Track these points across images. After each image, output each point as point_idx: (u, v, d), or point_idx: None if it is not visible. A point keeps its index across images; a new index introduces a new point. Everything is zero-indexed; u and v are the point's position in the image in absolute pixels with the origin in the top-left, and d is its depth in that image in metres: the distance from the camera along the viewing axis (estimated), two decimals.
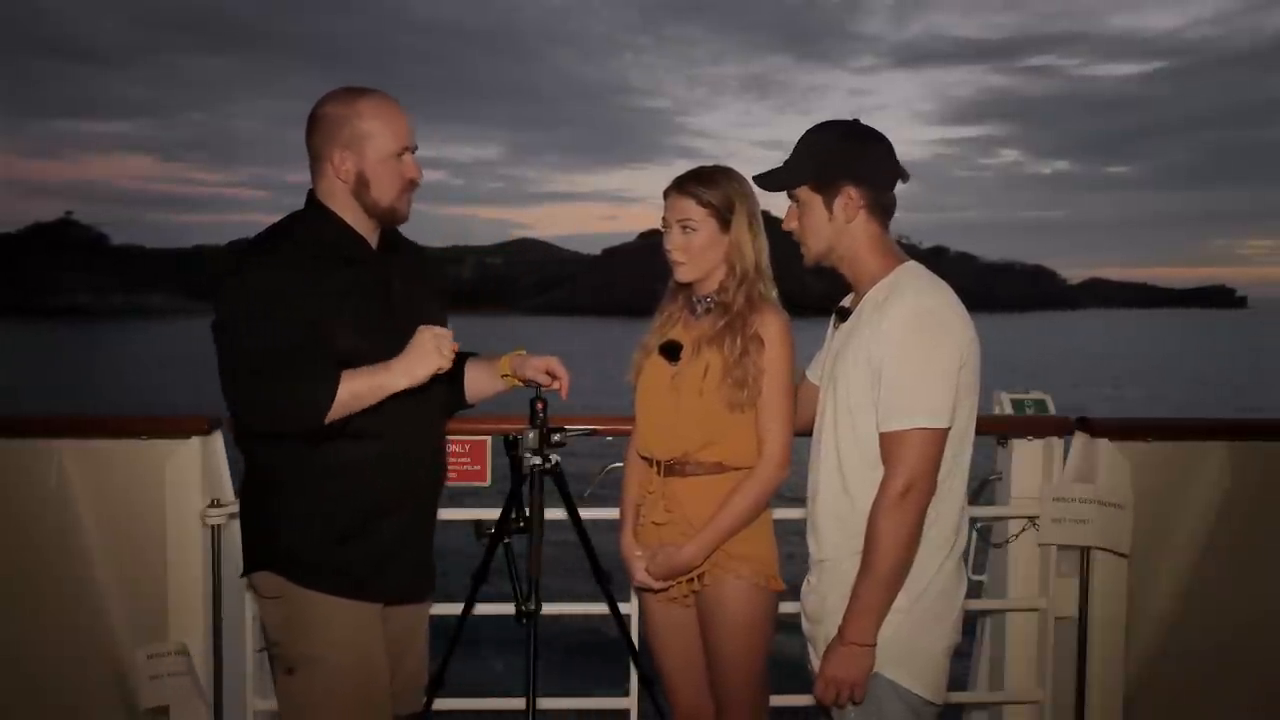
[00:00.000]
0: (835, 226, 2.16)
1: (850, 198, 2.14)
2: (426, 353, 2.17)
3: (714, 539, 2.40)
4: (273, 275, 2.14)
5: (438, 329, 2.20)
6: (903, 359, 2.04)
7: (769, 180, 2.23)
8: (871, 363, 2.08)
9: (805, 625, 2.30)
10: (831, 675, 2.08)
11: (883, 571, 2.04)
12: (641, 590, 2.56)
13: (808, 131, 2.20)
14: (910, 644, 2.10)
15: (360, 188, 2.24)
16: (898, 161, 2.19)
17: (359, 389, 2.14)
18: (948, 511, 2.13)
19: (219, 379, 2.15)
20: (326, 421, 2.13)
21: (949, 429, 2.06)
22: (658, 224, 2.53)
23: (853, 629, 2.06)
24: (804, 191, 2.18)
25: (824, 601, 2.20)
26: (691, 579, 2.45)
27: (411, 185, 2.30)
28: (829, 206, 2.15)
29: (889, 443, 2.06)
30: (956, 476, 2.13)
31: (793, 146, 2.21)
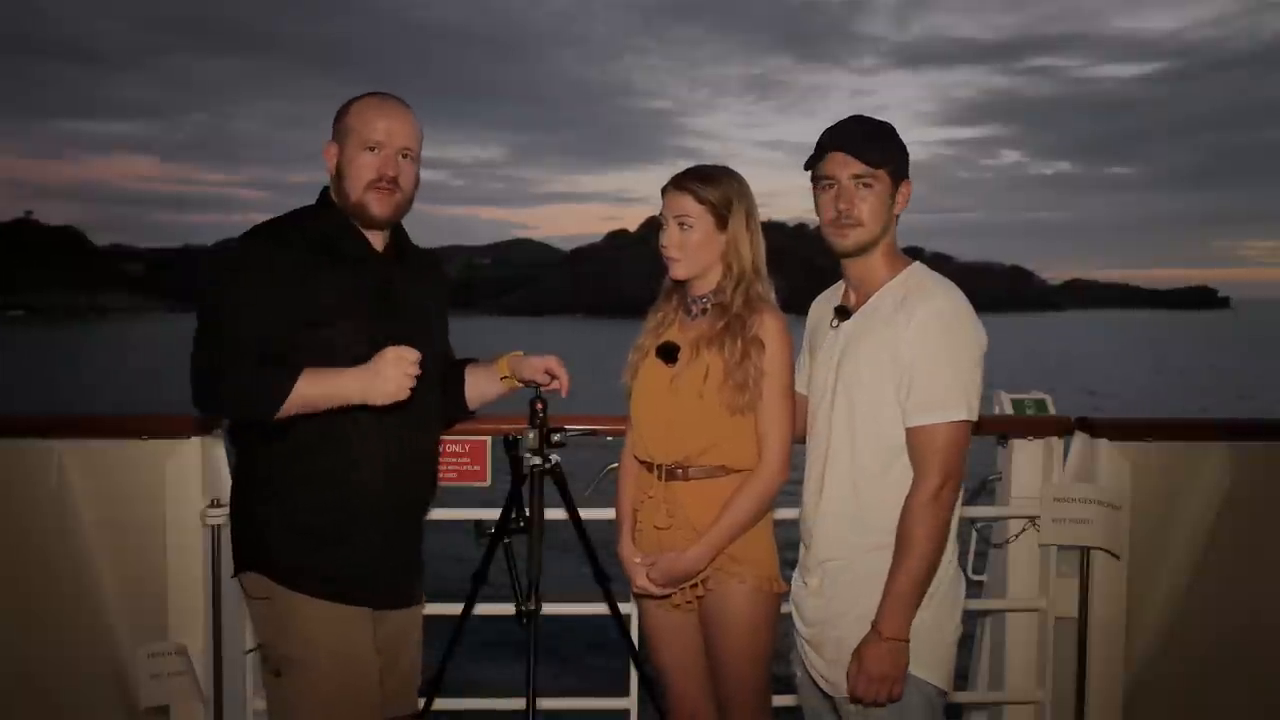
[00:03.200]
0: (890, 217, 2.20)
1: (906, 195, 2.20)
2: (385, 379, 2.11)
3: (716, 544, 2.38)
4: (260, 258, 2.15)
5: (403, 350, 2.13)
6: (937, 355, 2.07)
7: (870, 152, 2.16)
8: (899, 360, 2.10)
9: (802, 628, 2.29)
10: (876, 673, 2.08)
11: (920, 568, 2.07)
12: (642, 596, 2.55)
13: (880, 121, 2.21)
14: (929, 637, 2.12)
15: (338, 181, 2.26)
16: None
17: (311, 395, 2.11)
18: (958, 509, 2.16)
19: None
20: (276, 419, 2.12)
21: (974, 422, 2.11)
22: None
23: (891, 625, 2.07)
24: (882, 174, 2.18)
25: (829, 604, 2.20)
26: (695, 584, 2.43)
27: (379, 182, 2.23)
28: (893, 196, 2.19)
29: (922, 437, 2.08)
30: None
31: (854, 131, 2.20)
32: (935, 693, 2.14)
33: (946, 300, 2.12)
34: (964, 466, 2.10)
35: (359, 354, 2.16)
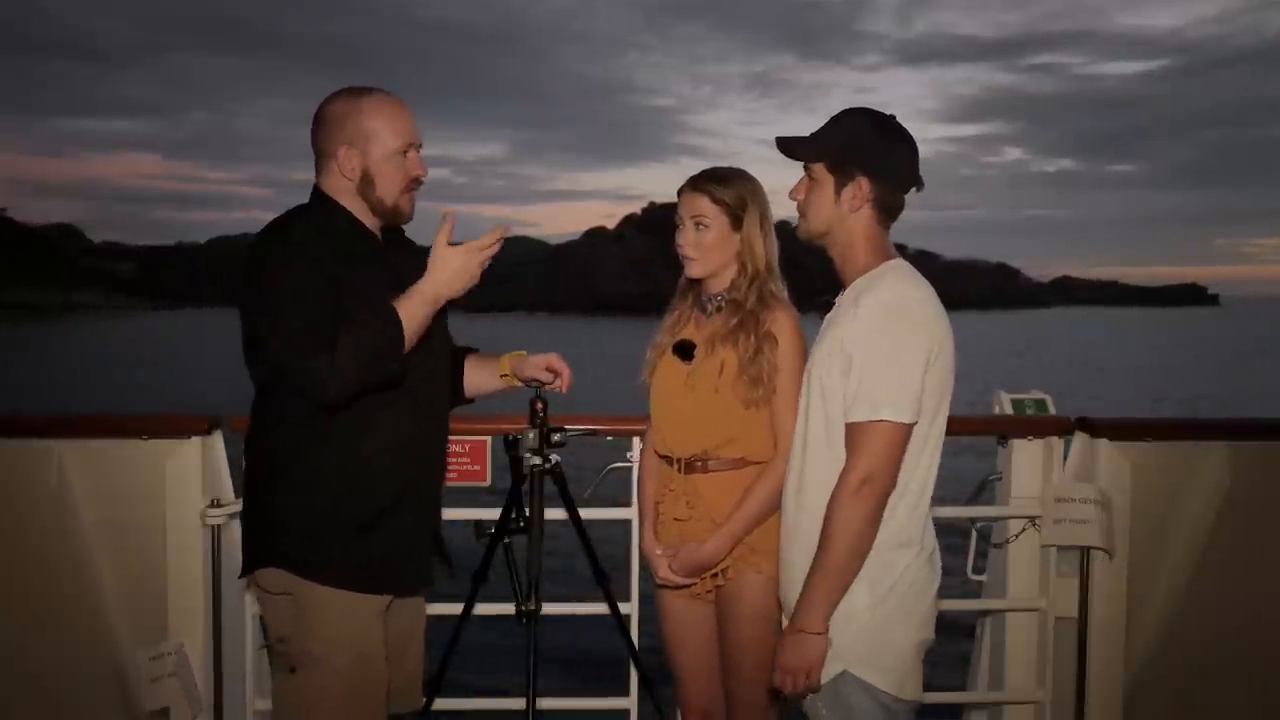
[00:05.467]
0: (838, 213, 2.16)
1: (860, 189, 2.14)
2: (466, 271, 2.19)
3: (735, 533, 2.43)
4: (302, 261, 2.13)
5: (468, 245, 2.21)
6: (871, 351, 2.05)
7: (790, 146, 2.21)
8: (843, 354, 2.09)
9: (783, 619, 2.30)
10: (784, 664, 2.09)
11: (834, 561, 2.04)
12: (664, 587, 2.57)
13: (844, 111, 2.20)
14: (877, 640, 2.09)
15: (365, 185, 2.25)
16: (917, 168, 2.19)
17: (411, 319, 2.16)
18: (917, 510, 2.12)
19: (269, 370, 2.15)
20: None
21: (913, 424, 2.06)
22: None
23: (802, 617, 2.07)
24: (819, 169, 2.17)
25: (786, 596, 2.21)
26: (715, 574, 2.48)
27: (415, 183, 2.30)
28: (838, 191, 2.15)
29: (852, 433, 2.07)
30: (925, 475, 2.13)
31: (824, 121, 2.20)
32: (890, 699, 2.10)
33: (893, 295, 2.09)
34: (895, 464, 2.05)
35: None
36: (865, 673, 2.09)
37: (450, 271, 2.18)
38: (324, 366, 2.08)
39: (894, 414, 2.03)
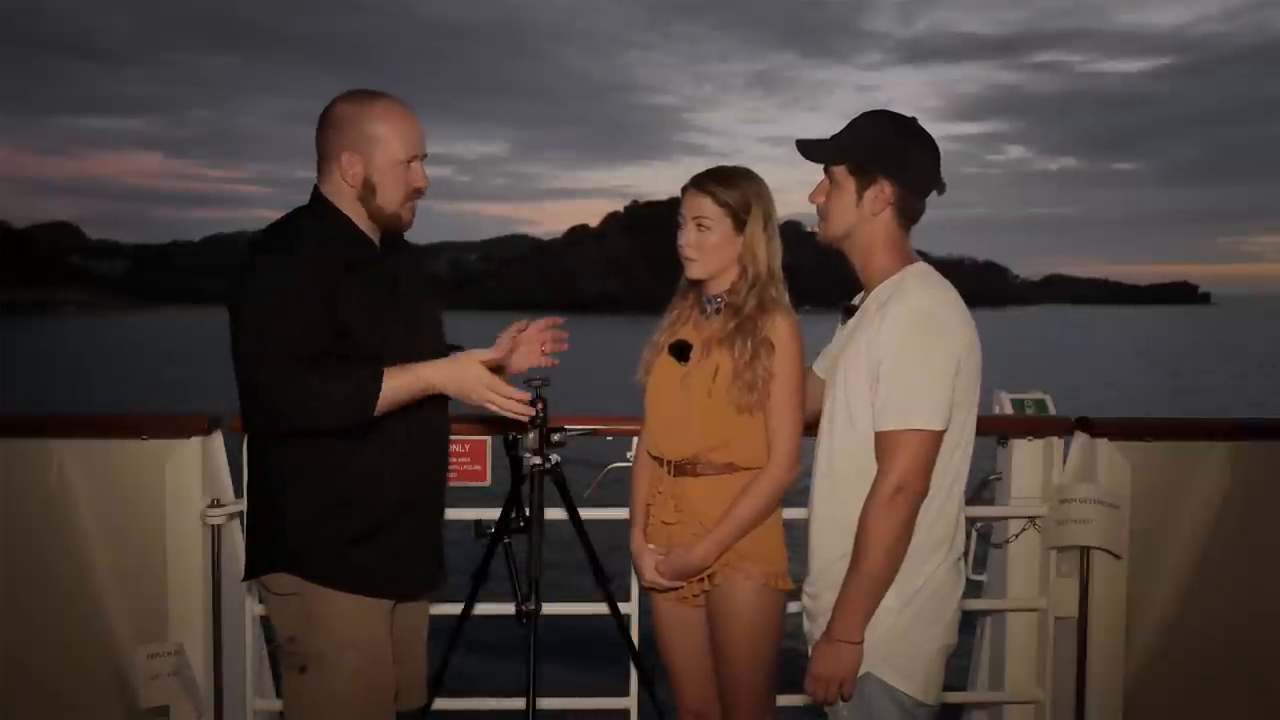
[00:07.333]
0: (859, 215, 2.16)
1: (882, 192, 2.14)
2: (473, 388, 2.21)
3: (724, 539, 2.41)
4: (296, 273, 2.12)
5: (492, 381, 2.23)
6: (899, 359, 2.05)
7: (812, 149, 2.21)
8: (870, 362, 2.09)
9: (805, 623, 2.31)
10: (819, 673, 2.10)
11: (870, 570, 2.05)
12: (651, 590, 2.57)
13: (864, 114, 2.20)
14: (902, 644, 2.10)
15: (366, 192, 2.23)
16: (939, 172, 2.19)
17: (399, 389, 2.16)
18: (945, 514, 2.13)
19: (245, 376, 2.14)
20: (373, 416, 2.14)
21: (944, 431, 2.07)
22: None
23: (839, 626, 2.07)
24: (840, 172, 2.17)
25: (817, 601, 2.21)
26: (702, 579, 2.46)
27: (417, 194, 2.29)
28: (860, 194, 2.15)
29: (883, 442, 2.07)
30: (954, 479, 2.13)
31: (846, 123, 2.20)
32: (912, 703, 2.11)
33: (919, 302, 2.08)
34: (927, 472, 2.05)
35: (388, 346, 2.20)
36: (889, 675, 2.09)
37: (469, 377, 2.21)
38: (296, 391, 2.08)
39: (924, 422, 2.03)
